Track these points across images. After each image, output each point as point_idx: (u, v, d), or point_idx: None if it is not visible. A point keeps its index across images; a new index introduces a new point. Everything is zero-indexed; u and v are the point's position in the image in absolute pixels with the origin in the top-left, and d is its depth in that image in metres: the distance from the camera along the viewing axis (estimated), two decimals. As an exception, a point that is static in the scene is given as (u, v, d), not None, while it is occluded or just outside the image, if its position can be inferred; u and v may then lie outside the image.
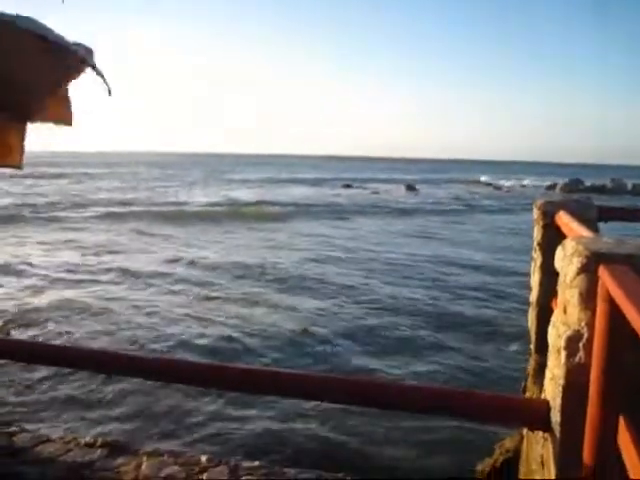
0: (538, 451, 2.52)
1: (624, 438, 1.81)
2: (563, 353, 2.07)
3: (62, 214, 28.51)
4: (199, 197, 40.74)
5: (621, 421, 1.85)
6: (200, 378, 2.92)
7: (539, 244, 3.93)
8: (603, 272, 1.86)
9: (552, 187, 61.10)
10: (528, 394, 3.92)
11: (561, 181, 60.78)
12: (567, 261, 2.11)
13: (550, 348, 2.34)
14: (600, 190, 53.03)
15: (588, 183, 57.60)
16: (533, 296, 4.06)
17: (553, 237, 3.64)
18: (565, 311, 2.15)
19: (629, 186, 58.85)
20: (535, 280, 4.03)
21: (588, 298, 1.98)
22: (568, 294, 2.10)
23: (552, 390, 2.20)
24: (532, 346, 4.09)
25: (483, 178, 78.08)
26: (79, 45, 2.63)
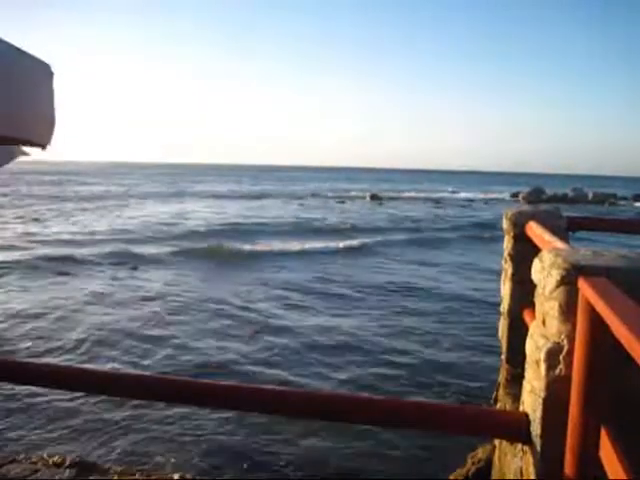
0: (516, 463, 2.51)
1: (606, 450, 1.81)
2: (543, 365, 2.07)
3: None
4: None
5: (603, 433, 1.85)
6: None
7: (510, 255, 3.95)
8: (583, 284, 1.86)
9: (515, 196, 62.15)
10: (499, 405, 3.92)
11: (524, 191, 61.65)
12: (545, 273, 2.11)
13: (528, 360, 2.33)
14: (562, 199, 54.07)
15: (550, 192, 58.56)
16: (504, 307, 4.07)
17: (524, 248, 3.67)
18: (544, 323, 2.15)
19: (590, 195, 60.20)
20: (506, 291, 4.04)
21: (568, 310, 1.98)
22: (547, 306, 2.10)
23: (532, 402, 2.19)
24: (503, 357, 4.10)
25: (448, 190, 78.57)
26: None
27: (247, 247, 23.11)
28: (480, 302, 14.01)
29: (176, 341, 10.22)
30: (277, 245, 24.22)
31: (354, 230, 30.85)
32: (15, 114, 2.29)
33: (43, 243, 22.35)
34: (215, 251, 21.65)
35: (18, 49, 2.27)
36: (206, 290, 14.83)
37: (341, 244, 25.16)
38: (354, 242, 25.76)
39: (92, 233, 25.59)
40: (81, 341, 10.11)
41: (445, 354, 10.10)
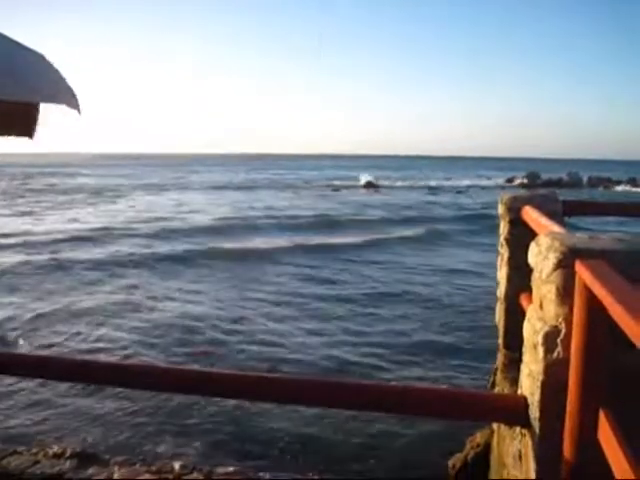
0: (515, 446, 2.53)
1: (605, 432, 1.81)
2: (540, 349, 2.08)
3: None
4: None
5: (601, 415, 1.86)
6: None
7: (506, 239, 3.96)
8: (580, 267, 1.86)
9: (510, 181, 62.33)
10: (497, 389, 3.95)
11: (519, 176, 61.85)
12: (542, 257, 2.12)
13: (525, 344, 2.34)
14: (557, 184, 54.05)
15: (545, 177, 58.59)
16: (500, 291, 4.09)
17: (520, 232, 3.68)
18: (541, 307, 2.15)
19: (585, 179, 60.26)
20: (502, 275, 4.06)
21: (565, 293, 1.99)
22: (544, 290, 2.11)
23: (530, 386, 2.20)
24: (500, 341, 4.11)
25: (444, 178, 77.83)
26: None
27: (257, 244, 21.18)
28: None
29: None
30: (285, 241, 22.10)
31: (376, 222, 29.30)
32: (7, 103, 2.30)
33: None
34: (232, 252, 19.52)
35: (14, 41, 2.27)
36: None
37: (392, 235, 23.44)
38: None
39: (92, 230, 24.21)
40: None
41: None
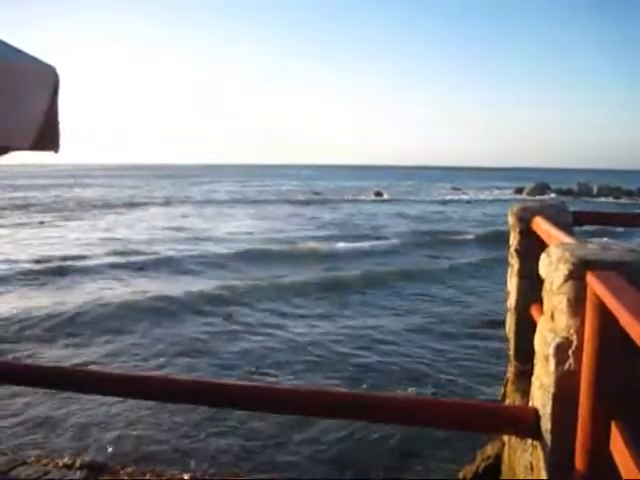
0: (526, 458, 2.52)
1: (617, 444, 1.81)
2: (552, 361, 2.07)
3: None
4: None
5: (613, 427, 1.85)
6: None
7: (516, 250, 3.95)
8: (591, 278, 1.86)
9: (519, 192, 62.17)
10: (508, 401, 3.92)
11: (527, 186, 61.75)
12: (553, 268, 2.11)
13: (537, 355, 2.33)
14: (567, 193, 53.91)
15: (555, 187, 58.42)
16: (510, 302, 4.07)
17: (530, 243, 3.67)
18: (552, 318, 2.15)
19: (595, 189, 59.93)
20: (512, 286, 4.04)
21: (577, 305, 1.98)
22: (555, 301, 2.10)
23: (541, 398, 2.19)
24: (511, 353, 4.10)
25: (452, 188, 77.60)
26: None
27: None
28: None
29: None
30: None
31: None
32: (24, 122, 2.30)
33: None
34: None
35: (23, 53, 2.28)
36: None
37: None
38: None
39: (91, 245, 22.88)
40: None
41: None
